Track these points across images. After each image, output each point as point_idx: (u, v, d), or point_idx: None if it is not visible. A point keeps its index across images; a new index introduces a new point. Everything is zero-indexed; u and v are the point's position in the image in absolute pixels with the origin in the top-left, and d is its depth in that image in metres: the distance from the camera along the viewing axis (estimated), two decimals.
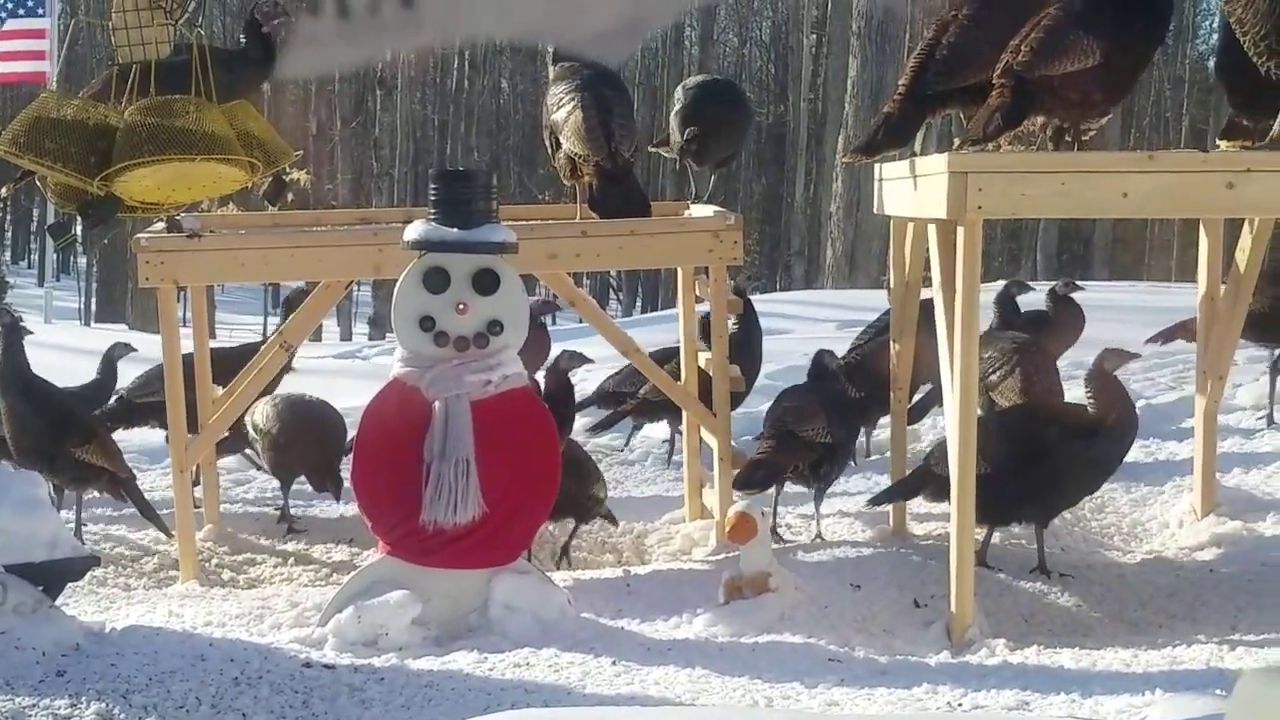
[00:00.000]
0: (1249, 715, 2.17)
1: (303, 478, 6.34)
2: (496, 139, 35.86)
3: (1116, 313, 12.15)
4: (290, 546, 6.18)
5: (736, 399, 6.19)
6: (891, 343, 5.88)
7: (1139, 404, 8.00)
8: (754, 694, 4.04)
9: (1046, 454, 5.24)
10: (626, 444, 7.74)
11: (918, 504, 6.04)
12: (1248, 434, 7.11)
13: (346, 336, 25.17)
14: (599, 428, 7.20)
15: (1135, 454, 6.90)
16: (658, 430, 8.29)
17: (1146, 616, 5.03)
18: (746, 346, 6.78)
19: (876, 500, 5.66)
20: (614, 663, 4.25)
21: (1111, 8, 4.70)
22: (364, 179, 28.12)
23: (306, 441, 6.21)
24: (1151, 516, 6.00)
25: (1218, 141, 5.34)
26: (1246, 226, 5.52)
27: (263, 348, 6.29)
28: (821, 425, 5.69)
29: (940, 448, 5.28)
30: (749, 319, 6.97)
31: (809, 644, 4.45)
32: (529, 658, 4.30)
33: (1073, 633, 4.87)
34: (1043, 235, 28.43)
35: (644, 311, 29.44)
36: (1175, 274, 25.07)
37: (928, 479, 5.36)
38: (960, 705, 3.95)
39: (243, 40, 5.68)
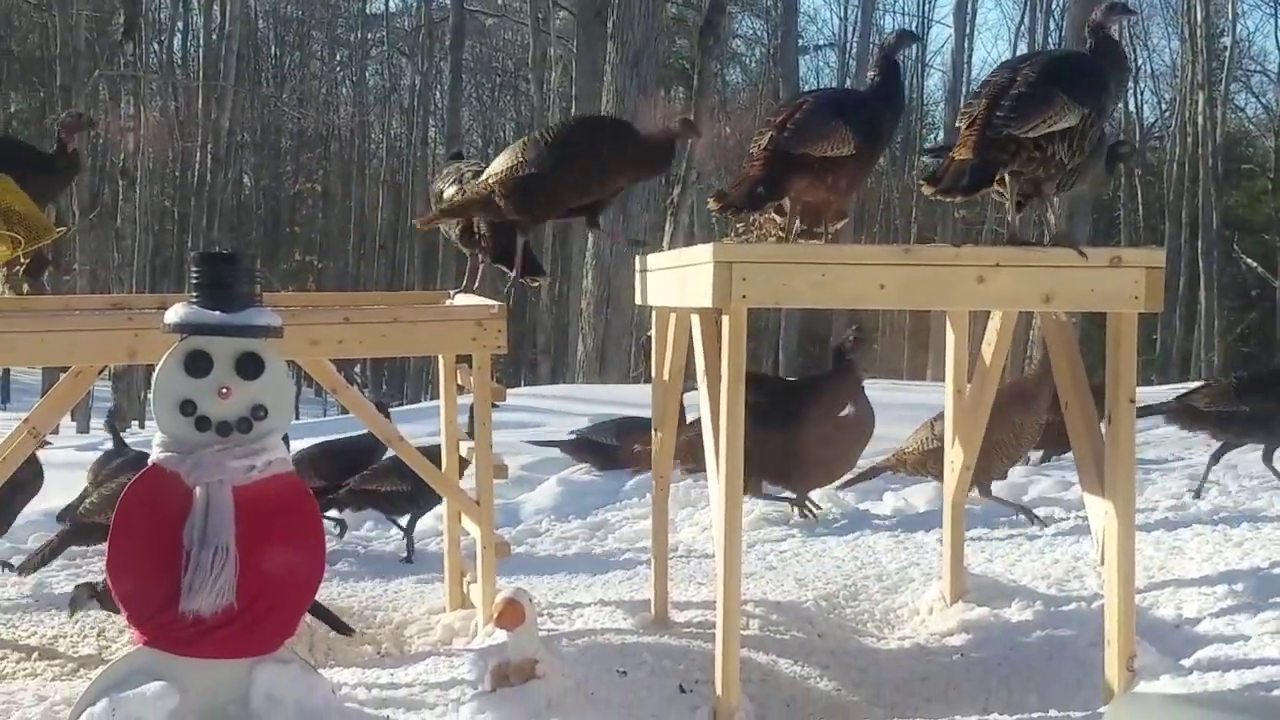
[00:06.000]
0: None
1: None
2: (239, 233, 35.30)
3: None
4: (34, 641, 5.91)
5: None
6: (653, 432, 5.94)
7: (885, 494, 8.29)
8: None
9: None
10: (341, 535, 7.85)
11: (677, 592, 6.10)
12: (991, 523, 7.34)
13: (84, 429, 24.22)
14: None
15: (885, 543, 7.12)
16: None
17: (903, 700, 5.13)
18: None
19: None
20: None
21: (863, 106, 5.03)
22: (100, 270, 27.29)
23: None
24: (903, 603, 6.12)
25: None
26: (992, 321, 5.74)
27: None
28: None
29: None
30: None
31: None
32: None
33: (833, 716, 4.95)
34: (784, 336, 29.15)
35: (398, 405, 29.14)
36: (905, 374, 26.07)
37: None
38: None
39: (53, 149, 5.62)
